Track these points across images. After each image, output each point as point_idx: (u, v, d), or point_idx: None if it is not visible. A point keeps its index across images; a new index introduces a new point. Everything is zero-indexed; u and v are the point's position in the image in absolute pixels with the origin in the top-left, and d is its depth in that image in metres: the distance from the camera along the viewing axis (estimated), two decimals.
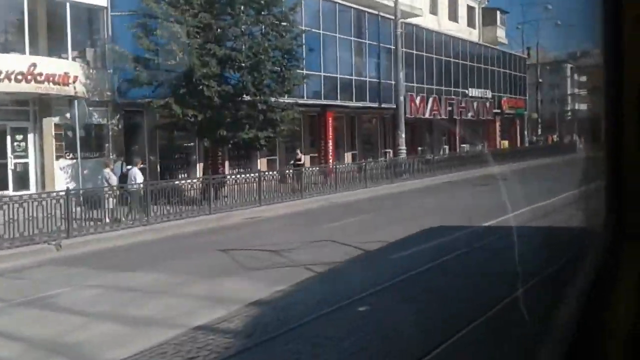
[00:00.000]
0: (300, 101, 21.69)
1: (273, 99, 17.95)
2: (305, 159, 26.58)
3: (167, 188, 16.29)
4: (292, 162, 22.45)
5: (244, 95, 17.56)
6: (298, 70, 19.13)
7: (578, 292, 1.18)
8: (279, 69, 17.71)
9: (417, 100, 30.26)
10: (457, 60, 34.72)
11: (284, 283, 8.06)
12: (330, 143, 25.22)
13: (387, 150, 31.48)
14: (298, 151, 22.49)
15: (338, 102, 25.16)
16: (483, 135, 41.08)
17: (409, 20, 31.31)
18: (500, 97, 39.46)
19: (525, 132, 44.59)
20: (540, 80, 48.28)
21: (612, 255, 1.12)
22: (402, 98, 26.40)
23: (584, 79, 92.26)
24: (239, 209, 17.05)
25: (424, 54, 31.48)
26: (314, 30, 23.33)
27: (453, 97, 33.60)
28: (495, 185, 23.31)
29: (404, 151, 26.56)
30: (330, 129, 25.18)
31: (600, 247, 1.18)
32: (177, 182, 17.34)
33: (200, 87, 16.08)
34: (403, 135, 26.63)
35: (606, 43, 1.12)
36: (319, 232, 12.76)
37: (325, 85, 24.48)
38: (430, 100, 31.34)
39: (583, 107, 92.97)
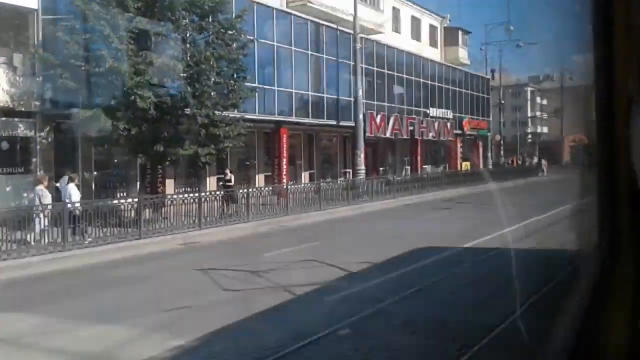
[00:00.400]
0: (250, 116, 20.14)
1: (218, 113, 16.35)
2: (258, 178, 25.02)
3: (103, 208, 14.48)
4: (221, 183, 20.48)
5: (185, 109, 15.93)
6: (246, 83, 17.58)
7: (573, 312, 1.16)
8: (223, 80, 16.13)
9: (378, 119, 29.05)
10: (418, 79, 33.76)
11: (185, 336, 6.43)
12: (285, 161, 23.68)
13: (346, 170, 30.10)
14: (227, 171, 20.23)
15: (293, 119, 23.67)
16: (445, 156, 40.20)
17: (371, 37, 30.24)
18: (461, 117, 38.65)
19: (489, 154, 43.89)
20: (502, 102, 47.84)
21: (606, 275, 1.11)
22: (361, 116, 25.10)
23: (545, 102, 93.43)
24: (175, 232, 15.32)
25: (386, 71, 30.38)
26: (266, 42, 21.92)
27: (414, 116, 32.53)
28: (456, 209, 22.26)
29: (363, 171, 25.21)
30: (285, 146, 23.67)
31: (593, 268, 1.17)
32: (106, 202, 15.50)
33: (133, 97, 14.38)
34: (362, 155, 25.29)
35: (598, 61, 1.12)
36: (253, 263, 11.18)
37: (279, 100, 23.00)
38: (392, 119, 30.18)
39: (545, 129, 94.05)
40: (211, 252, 13.65)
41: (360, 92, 25.01)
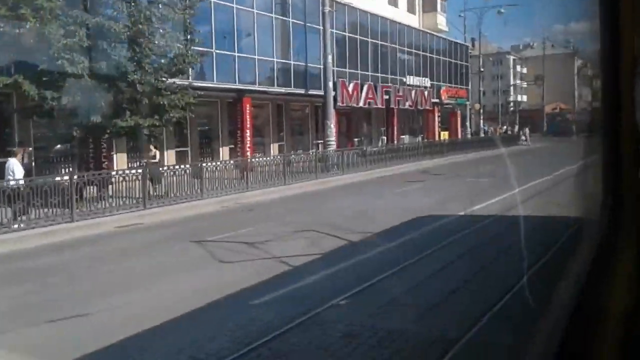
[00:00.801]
0: (207, 84, 18.38)
1: (163, 80, 14.58)
2: (222, 151, 23.35)
3: (43, 186, 12.74)
4: (145, 160, 17.53)
5: (127, 75, 14.13)
6: (199, 48, 15.77)
7: (575, 277, 1.17)
8: (167, 43, 14.32)
9: (350, 88, 27.33)
10: (394, 46, 31.96)
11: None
12: (249, 133, 21.97)
13: (319, 141, 28.48)
14: (152, 146, 16.80)
15: (256, 88, 21.88)
16: (422, 126, 38.70)
17: (343, 0, 28.33)
18: (439, 86, 37.03)
19: (467, 123, 42.42)
20: (482, 70, 46.26)
21: (608, 244, 1.12)
22: (330, 84, 23.37)
23: (525, 70, 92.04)
24: (116, 213, 13.69)
25: (358, 37, 28.55)
26: (225, 4, 20.00)
27: (390, 85, 30.84)
28: (431, 182, 20.86)
29: (334, 143, 23.61)
30: (248, 117, 21.93)
31: (596, 236, 1.18)
32: (36, 180, 13.74)
33: (60, 62, 12.57)
34: (332, 126, 23.66)
35: (603, 22, 1.11)
36: (178, 253, 9.65)
37: (240, 68, 21.18)
38: (365, 87, 28.47)
39: (524, 98, 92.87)
40: (148, 235, 12.05)
41: (329, 59, 23.23)
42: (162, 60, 14.47)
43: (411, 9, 40.24)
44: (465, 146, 35.10)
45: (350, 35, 27.89)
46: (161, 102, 14.23)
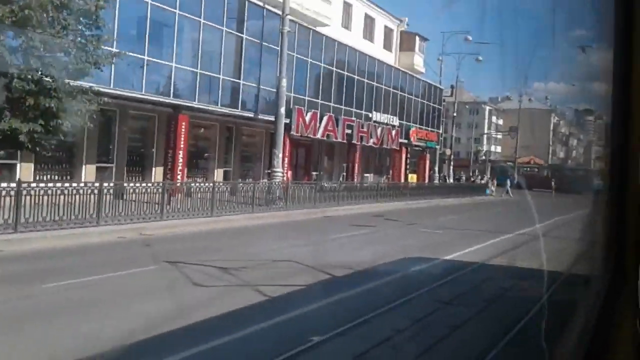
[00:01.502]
0: (127, 93, 15.73)
1: (54, 80, 11.85)
2: (155, 172, 20.54)
3: None
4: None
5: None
6: (106, 47, 13.14)
7: (579, 332, 1.15)
8: (62, 34, 11.64)
9: (308, 117, 24.90)
10: (362, 79, 29.79)
11: None
12: (182, 154, 19.24)
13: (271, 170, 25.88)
14: None
15: (194, 104, 19.24)
16: (389, 166, 36.40)
17: (316, 28, 26.20)
18: (409, 126, 34.87)
19: (436, 168, 40.25)
20: (454, 115, 44.51)
21: (611, 301, 1.08)
22: (282, 110, 20.87)
23: (501, 122, 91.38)
24: None
25: (322, 64, 26.29)
26: (163, 7, 17.52)
27: (353, 118, 28.51)
28: (379, 228, 18.19)
29: (280, 174, 20.98)
30: (183, 136, 19.23)
31: (599, 292, 1.15)
32: None
33: None
34: (280, 155, 21.06)
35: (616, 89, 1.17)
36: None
37: (177, 80, 18.59)
38: (325, 118, 26.08)
39: (499, 149, 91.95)
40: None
41: (283, 83, 20.77)
42: (58, 55, 11.77)
43: (388, 46, 38.44)
44: (431, 191, 32.77)
45: (313, 61, 25.60)
46: (48, 105, 11.48)
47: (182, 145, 19.10)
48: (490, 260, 12.02)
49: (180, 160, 19.10)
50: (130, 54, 15.51)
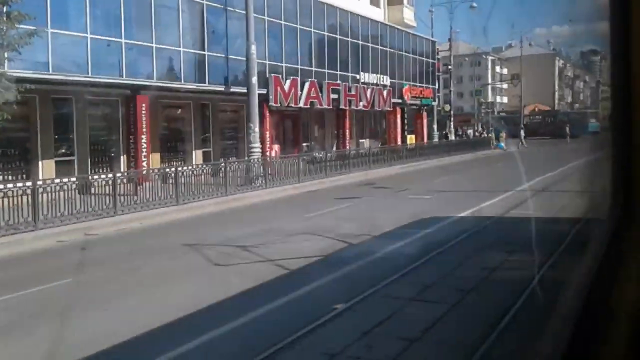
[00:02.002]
0: (68, 77, 14.00)
1: None
2: (124, 160, 18.93)
3: None
4: None
5: None
6: (22, 26, 11.36)
7: (584, 273, 1.13)
8: None
9: (287, 85, 22.98)
10: (346, 39, 27.63)
11: None
12: (144, 138, 17.54)
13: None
14: None
15: (153, 82, 17.43)
16: (385, 129, 34.43)
17: None
18: (402, 84, 32.74)
19: (435, 126, 38.12)
20: (449, 67, 42.18)
21: (619, 237, 1.09)
22: (254, 80, 19.00)
23: (505, 71, 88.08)
24: None
25: (298, 26, 24.20)
26: None
27: (339, 82, 26.51)
28: (364, 200, 16.42)
29: (258, 150, 19.26)
30: (144, 118, 17.49)
31: (607, 229, 1.14)
32: None
33: None
34: (256, 129, 19.30)
35: (614, 25, 1.09)
36: None
37: (129, 57, 16.76)
38: (307, 85, 24.14)
39: (505, 99, 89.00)
40: None
41: (253, 49, 18.85)
42: None
43: (375, 1, 35.96)
44: (430, 151, 30.90)
45: (288, 24, 23.52)
46: None
47: (144, 129, 17.38)
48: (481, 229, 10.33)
49: (144, 145, 17.41)
50: (69, 32, 13.74)
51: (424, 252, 8.49)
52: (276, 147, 26.92)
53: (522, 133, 43.15)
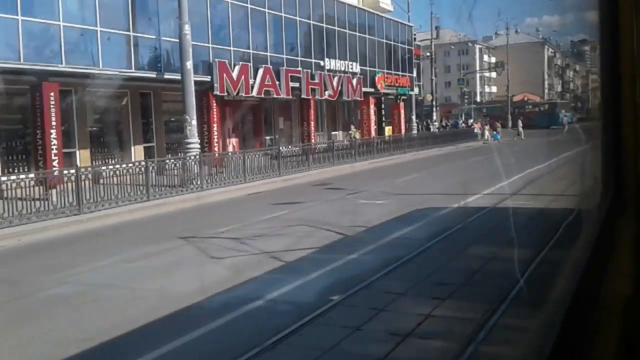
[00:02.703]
0: None
1: None
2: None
3: None
4: None
5: None
6: None
7: (575, 262, 1.12)
8: None
9: (235, 72, 20.34)
10: (307, 21, 24.98)
11: None
12: (55, 134, 14.89)
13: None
14: None
15: (62, 67, 14.76)
16: (358, 120, 31.83)
17: None
18: (375, 72, 30.13)
19: (413, 117, 35.45)
20: (428, 54, 39.62)
21: (611, 224, 1.09)
22: (189, 65, 16.36)
23: (493, 60, 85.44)
24: None
25: (249, 5, 21.51)
26: None
27: (300, 69, 23.89)
28: (308, 206, 13.80)
29: (195, 147, 16.70)
30: (53, 111, 14.83)
31: (599, 216, 1.14)
32: None
33: None
34: (193, 122, 16.72)
35: (603, 16, 1.10)
36: None
37: (27, 38, 14.09)
38: (261, 72, 21.51)
39: (494, 90, 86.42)
40: None
41: (186, 29, 16.22)
42: None
43: None
44: (406, 144, 28.38)
45: (237, 2, 20.82)
46: None
47: (52, 123, 14.74)
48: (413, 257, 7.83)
49: (54, 142, 14.77)
50: None
51: (312, 304, 5.90)
52: (234, 141, 24.38)
53: (520, 123, 40.89)
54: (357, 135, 26.38)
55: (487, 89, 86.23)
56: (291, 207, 12.98)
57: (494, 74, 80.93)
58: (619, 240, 1.05)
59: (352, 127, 27.55)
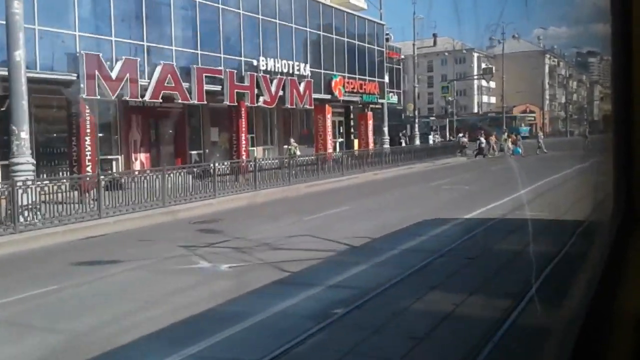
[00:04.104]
0: None
1: None
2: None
3: None
4: None
5: None
6: None
7: (588, 278, 1.10)
8: None
9: (116, 69, 15.37)
10: (233, 9, 20.07)
11: None
12: None
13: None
14: None
15: None
16: (313, 132, 26.81)
17: None
18: (332, 76, 25.15)
19: (385, 129, 30.22)
20: (401, 59, 34.63)
21: (622, 240, 1.07)
22: (18, 55, 11.44)
23: (494, 69, 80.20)
24: None
25: None
26: None
27: (220, 68, 18.98)
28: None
29: (27, 169, 11.78)
30: None
31: (610, 232, 1.13)
32: None
33: None
34: (24, 135, 11.76)
35: (615, 28, 1.07)
36: None
37: None
38: (159, 70, 16.59)
39: (492, 100, 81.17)
40: None
41: (16, 6, 11.37)
42: None
43: None
44: (367, 161, 23.39)
45: None
46: None
47: None
48: None
49: None
50: None
51: None
52: (142, 157, 19.53)
53: (541, 136, 36.15)
54: (298, 152, 21.37)
55: (485, 99, 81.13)
56: (93, 274, 7.93)
57: (492, 84, 75.78)
58: (631, 257, 1.02)
59: (292, 140, 22.50)
